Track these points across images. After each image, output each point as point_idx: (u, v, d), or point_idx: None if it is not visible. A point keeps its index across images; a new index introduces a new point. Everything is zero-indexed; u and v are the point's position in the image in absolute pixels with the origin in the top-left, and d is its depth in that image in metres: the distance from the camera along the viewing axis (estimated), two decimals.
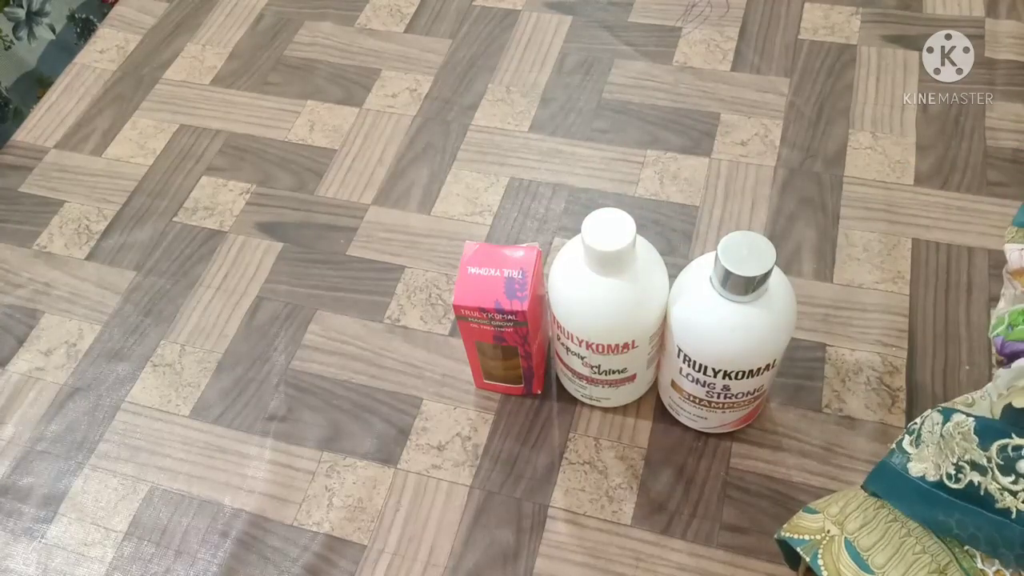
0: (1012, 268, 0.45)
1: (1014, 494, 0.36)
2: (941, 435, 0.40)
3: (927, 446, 0.41)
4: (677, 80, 0.78)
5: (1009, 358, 0.42)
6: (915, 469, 0.41)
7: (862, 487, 0.44)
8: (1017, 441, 0.37)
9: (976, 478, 0.38)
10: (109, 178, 0.77)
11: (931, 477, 0.40)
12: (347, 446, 0.60)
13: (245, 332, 0.66)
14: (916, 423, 0.43)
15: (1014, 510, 0.36)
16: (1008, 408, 0.39)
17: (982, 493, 0.37)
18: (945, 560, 0.38)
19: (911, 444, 0.42)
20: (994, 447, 0.38)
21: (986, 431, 0.38)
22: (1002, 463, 0.37)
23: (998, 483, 0.37)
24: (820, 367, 0.60)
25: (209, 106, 0.82)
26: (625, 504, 0.56)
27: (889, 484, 0.42)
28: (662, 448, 0.58)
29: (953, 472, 0.39)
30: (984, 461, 0.38)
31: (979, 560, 0.37)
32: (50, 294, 0.70)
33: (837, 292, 0.64)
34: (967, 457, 0.39)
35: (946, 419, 0.41)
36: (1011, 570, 0.37)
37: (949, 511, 0.38)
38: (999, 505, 0.37)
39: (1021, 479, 0.36)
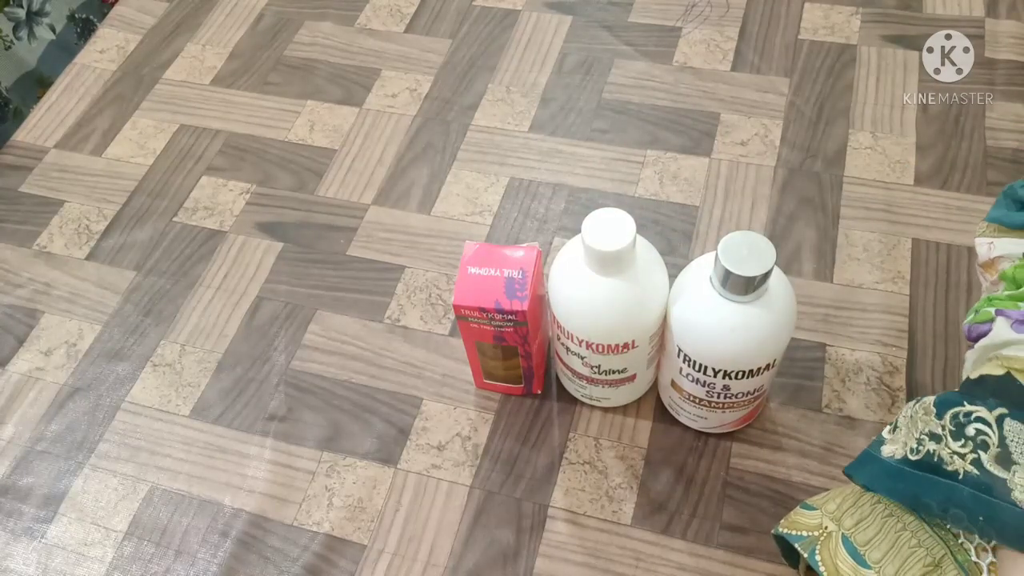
0: (981, 261, 0.47)
1: (962, 456, 0.38)
2: (910, 416, 0.42)
3: (901, 430, 0.43)
4: (677, 80, 0.78)
5: (975, 341, 0.44)
6: (886, 451, 0.42)
7: (844, 471, 0.45)
8: (968, 408, 0.39)
9: (932, 447, 0.40)
10: (109, 178, 0.77)
11: (898, 455, 0.41)
12: (347, 446, 0.60)
13: (245, 332, 0.66)
14: (899, 415, 0.44)
15: (961, 471, 0.38)
16: (965, 381, 0.42)
17: (935, 460, 0.39)
18: (940, 553, 0.39)
19: (889, 431, 0.44)
20: (947, 415, 0.40)
21: (943, 403, 0.41)
22: (954, 429, 0.39)
23: (949, 448, 0.39)
24: (820, 367, 0.60)
25: (209, 106, 0.82)
26: (625, 504, 0.56)
27: (863, 468, 0.43)
28: (662, 448, 0.58)
29: (915, 446, 0.41)
30: (939, 430, 0.40)
31: (973, 553, 0.38)
32: (50, 294, 0.70)
33: (837, 292, 0.64)
34: (926, 430, 0.41)
35: (917, 403, 0.43)
36: (976, 538, 0.38)
37: (910, 484, 0.40)
38: (949, 468, 0.39)
39: (969, 442, 0.38)
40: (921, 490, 0.39)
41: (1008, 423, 0.38)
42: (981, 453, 0.38)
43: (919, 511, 0.40)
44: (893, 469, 0.41)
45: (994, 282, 0.45)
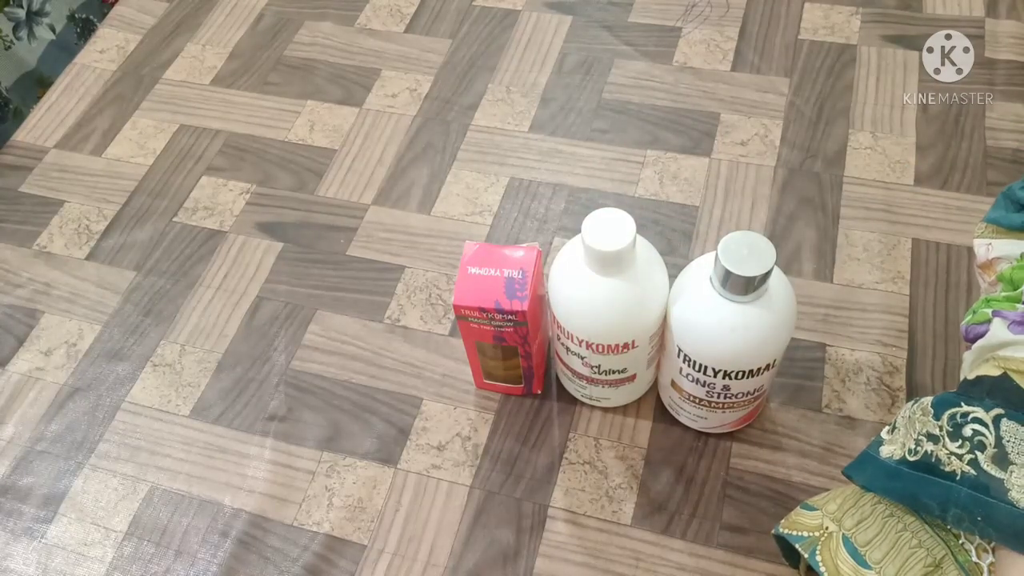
0: (980, 262, 0.47)
1: (959, 457, 0.38)
2: (908, 417, 0.42)
3: (899, 431, 0.43)
4: (677, 80, 0.78)
5: (972, 342, 0.44)
6: (885, 452, 0.43)
7: (843, 472, 0.45)
8: (965, 408, 0.39)
9: (930, 447, 0.40)
10: (109, 178, 0.77)
11: (897, 456, 0.42)
12: (347, 446, 0.60)
13: (245, 332, 0.66)
14: (897, 416, 0.45)
15: (959, 472, 0.38)
16: (963, 382, 0.42)
17: (933, 460, 0.39)
18: (941, 554, 0.39)
19: (887, 432, 0.44)
20: (945, 416, 0.40)
21: (940, 403, 0.41)
22: (951, 430, 0.39)
23: (947, 449, 0.39)
24: (820, 367, 0.60)
25: (209, 106, 0.82)
26: (625, 504, 0.56)
27: (862, 468, 0.44)
28: (662, 448, 0.58)
29: (913, 447, 0.41)
30: (937, 431, 0.40)
31: (974, 554, 0.38)
32: (50, 294, 0.70)
33: (837, 292, 0.64)
34: (924, 431, 0.41)
35: (915, 403, 0.43)
36: (975, 535, 0.38)
37: (908, 484, 0.40)
38: (947, 469, 0.39)
39: (966, 443, 0.38)
40: (919, 490, 0.40)
41: (1005, 423, 0.38)
42: (978, 453, 0.38)
43: (919, 511, 0.40)
44: (891, 470, 0.41)
45: (992, 283, 0.45)
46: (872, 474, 0.43)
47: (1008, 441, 0.37)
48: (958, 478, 0.38)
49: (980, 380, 0.41)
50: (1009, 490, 0.37)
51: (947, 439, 0.39)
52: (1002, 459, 0.37)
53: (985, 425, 0.38)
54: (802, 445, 0.57)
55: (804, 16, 0.82)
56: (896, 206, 0.68)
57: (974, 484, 0.38)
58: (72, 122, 0.82)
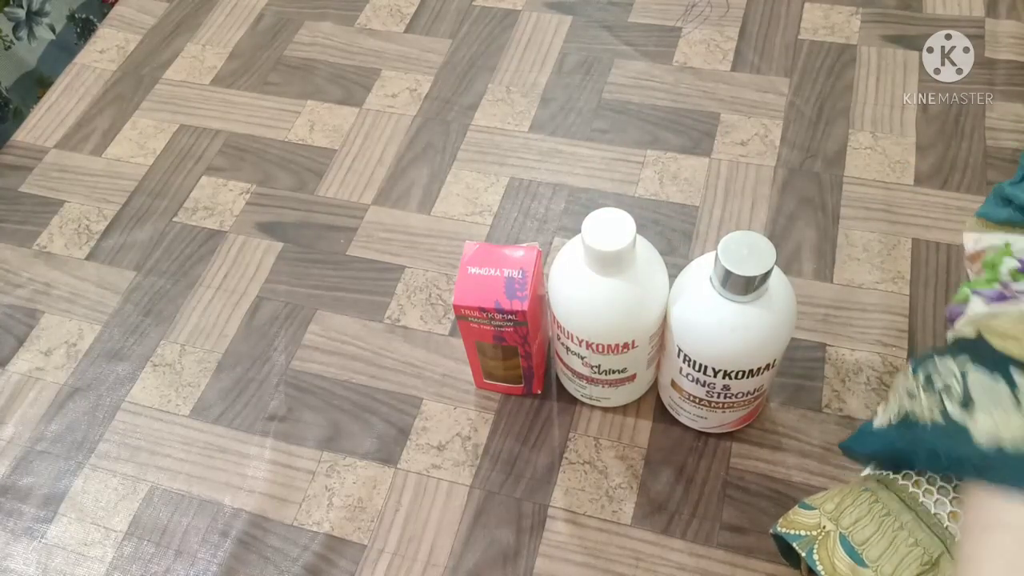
0: (968, 254, 0.48)
1: (931, 409, 0.40)
2: (895, 386, 0.44)
3: (890, 403, 0.44)
4: (677, 80, 0.78)
5: (954, 322, 0.45)
6: (877, 423, 0.44)
7: (839, 446, 0.47)
8: (938, 362, 0.41)
9: (908, 404, 0.41)
10: (109, 178, 0.77)
11: (886, 424, 0.43)
12: (347, 446, 0.60)
13: (245, 332, 0.66)
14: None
15: (929, 423, 0.40)
16: (942, 347, 0.43)
17: (912, 416, 0.41)
18: (937, 552, 0.39)
19: (882, 407, 0.45)
20: (920, 372, 0.41)
21: (918, 362, 0.42)
22: (925, 384, 0.41)
23: (922, 402, 0.40)
24: (820, 367, 0.60)
25: (209, 106, 0.82)
26: (625, 504, 0.56)
27: (857, 439, 0.45)
28: (662, 448, 0.58)
29: (896, 408, 0.42)
30: (914, 387, 0.41)
31: None
32: (50, 294, 0.70)
33: (837, 292, 0.64)
34: (905, 390, 0.42)
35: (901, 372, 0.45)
36: (942, 485, 0.40)
37: (889, 439, 0.42)
38: (921, 420, 0.40)
39: (937, 393, 0.40)
40: (896, 438, 0.41)
41: (972, 374, 0.39)
42: (947, 402, 0.39)
43: (899, 465, 0.42)
44: (881, 433, 0.43)
45: (978, 272, 0.46)
46: (865, 441, 0.44)
47: (974, 389, 0.38)
48: (930, 427, 0.39)
49: (958, 342, 0.42)
50: (972, 431, 0.37)
51: (921, 393, 0.41)
52: (967, 403, 0.38)
53: (954, 376, 0.39)
54: (802, 445, 0.57)
55: (804, 16, 0.82)
56: (896, 206, 0.68)
57: (943, 431, 0.39)
58: (72, 122, 0.82)
